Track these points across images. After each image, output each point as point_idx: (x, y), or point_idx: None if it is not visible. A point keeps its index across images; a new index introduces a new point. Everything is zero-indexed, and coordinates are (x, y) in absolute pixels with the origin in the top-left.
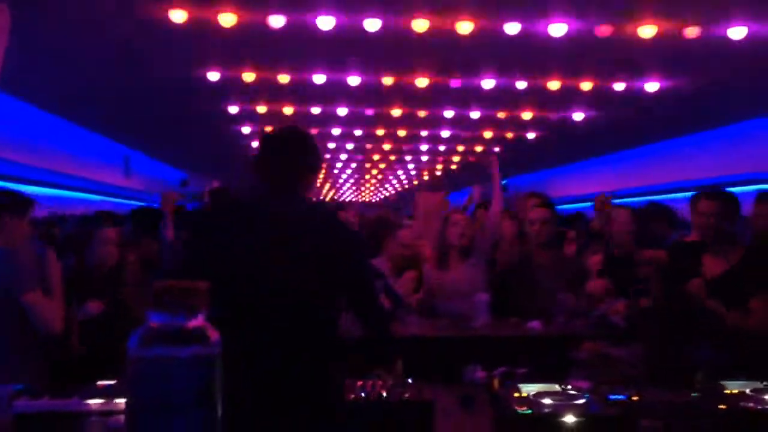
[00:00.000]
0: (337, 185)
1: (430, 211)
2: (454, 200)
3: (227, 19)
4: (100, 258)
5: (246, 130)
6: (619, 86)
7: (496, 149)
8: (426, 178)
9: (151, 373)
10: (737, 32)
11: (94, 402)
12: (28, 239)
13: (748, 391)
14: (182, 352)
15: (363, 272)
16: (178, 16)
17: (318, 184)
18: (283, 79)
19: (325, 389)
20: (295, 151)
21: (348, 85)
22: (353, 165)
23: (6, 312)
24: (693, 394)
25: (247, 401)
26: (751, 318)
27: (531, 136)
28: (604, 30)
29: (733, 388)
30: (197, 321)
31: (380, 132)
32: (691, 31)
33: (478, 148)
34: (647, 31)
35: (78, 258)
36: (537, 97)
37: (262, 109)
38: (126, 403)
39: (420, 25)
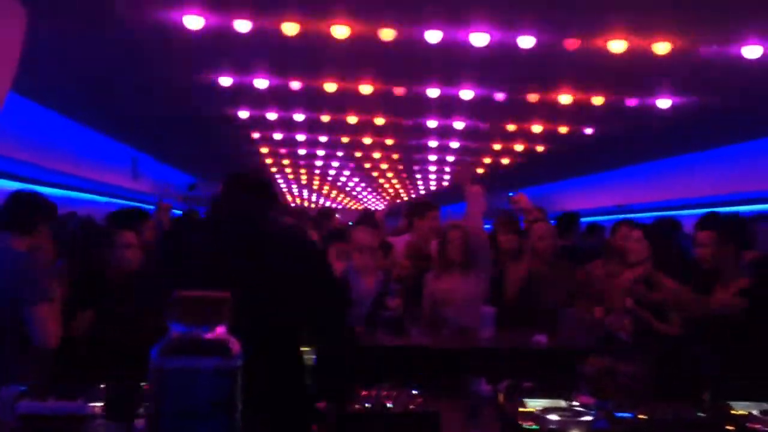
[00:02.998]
0: (347, 192)
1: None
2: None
3: (242, 26)
4: (120, 262)
5: (256, 135)
6: (631, 102)
7: (505, 161)
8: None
9: (172, 383)
10: (752, 51)
11: (98, 405)
12: (50, 245)
13: (755, 411)
14: (203, 363)
15: (327, 290)
16: (194, 21)
17: (325, 192)
18: (295, 85)
19: (285, 399)
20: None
21: (359, 94)
22: (361, 173)
23: (12, 316)
24: (699, 414)
25: None
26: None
27: (540, 149)
28: (618, 46)
29: (740, 408)
30: (219, 332)
31: (390, 141)
32: (706, 49)
33: (487, 160)
34: (661, 47)
35: (90, 261)
36: (548, 111)
37: (272, 115)
38: (147, 411)
39: (432, 36)
